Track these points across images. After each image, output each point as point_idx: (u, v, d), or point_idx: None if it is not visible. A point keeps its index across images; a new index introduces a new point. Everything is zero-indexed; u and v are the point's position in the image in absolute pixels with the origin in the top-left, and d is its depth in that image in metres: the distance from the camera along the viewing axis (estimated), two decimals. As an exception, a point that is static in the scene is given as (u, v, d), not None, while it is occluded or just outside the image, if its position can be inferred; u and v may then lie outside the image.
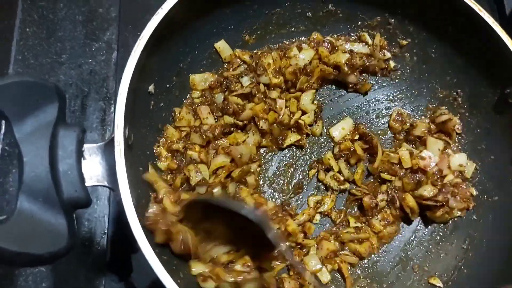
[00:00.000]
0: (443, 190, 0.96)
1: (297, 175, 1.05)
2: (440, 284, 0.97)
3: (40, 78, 0.72)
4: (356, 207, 1.04)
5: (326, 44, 1.06)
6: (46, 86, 0.70)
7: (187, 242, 0.84)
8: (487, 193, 1.00)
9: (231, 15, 1.01)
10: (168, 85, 0.96)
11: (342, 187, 1.03)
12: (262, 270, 0.90)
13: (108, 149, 0.73)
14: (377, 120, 1.10)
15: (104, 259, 1.01)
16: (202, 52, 1.02)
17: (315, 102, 1.06)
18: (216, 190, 0.94)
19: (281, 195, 1.04)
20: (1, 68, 1.14)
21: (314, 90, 1.07)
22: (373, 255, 1.00)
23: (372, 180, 1.05)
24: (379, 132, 1.10)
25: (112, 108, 1.13)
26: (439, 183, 0.97)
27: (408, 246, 1.02)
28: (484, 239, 0.97)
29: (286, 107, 1.02)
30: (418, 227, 1.03)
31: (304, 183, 1.05)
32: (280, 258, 0.92)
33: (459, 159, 1.00)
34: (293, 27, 1.09)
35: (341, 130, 1.07)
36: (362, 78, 1.10)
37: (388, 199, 1.00)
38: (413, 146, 1.04)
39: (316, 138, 1.09)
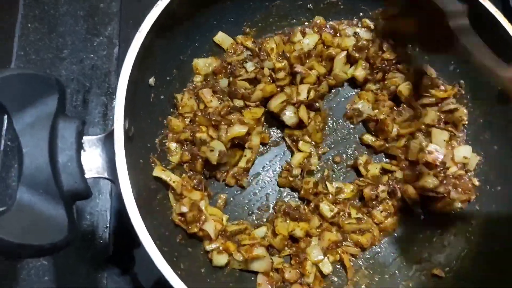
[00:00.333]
0: (445, 181, 0.95)
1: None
2: (442, 275, 0.96)
3: (40, 70, 0.71)
4: (357, 198, 1.04)
5: (328, 29, 1.06)
6: (46, 78, 0.70)
7: None
8: (489, 183, 0.99)
9: (231, 7, 1.00)
10: (168, 78, 0.96)
11: None
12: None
13: (108, 141, 0.73)
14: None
15: (106, 253, 1.01)
16: (202, 44, 1.01)
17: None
18: None
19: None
20: (3, 63, 1.14)
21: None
22: (374, 246, 1.00)
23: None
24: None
25: (114, 103, 1.12)
26: (441, 175, 0.96)
27: (410, 237, 1.01)
28: (487, 229, 0.96)
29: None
30: (420, 218, 1.02)
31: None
32: None
33: (463, 151, 0.99)
34: (294, 18, 1.08)
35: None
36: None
37: (389, 190, 1.00)
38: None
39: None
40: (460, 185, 0.95)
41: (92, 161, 0.72)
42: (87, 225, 1.03)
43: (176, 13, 0.87)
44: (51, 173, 0.65)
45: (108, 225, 1.04)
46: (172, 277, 0.70)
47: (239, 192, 1.02)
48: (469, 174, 0.99)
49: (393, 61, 1.06)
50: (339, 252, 0.97)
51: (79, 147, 0.70)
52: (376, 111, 1.05)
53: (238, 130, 0.96)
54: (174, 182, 0.90)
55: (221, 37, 1.03)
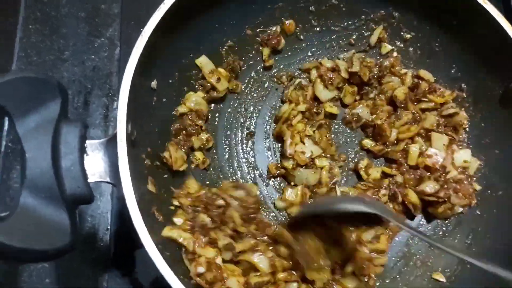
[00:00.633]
0: (445, 186, 0.95)
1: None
2: (443, 279, 0.96)
3: (42, 74, 0.71)
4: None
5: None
6: (48, 82, 0.70)
7: None
8: (491, 187, 0.99)
9: (234, 9, 1.00)
10: (170, 81, 0.96)
11: None
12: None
13: (110, 145, 0.72)
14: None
15: (108, 255, 1.01)
16: (204, 47, 1.01)
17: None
18: None
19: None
20: (5, 65, 1.14)
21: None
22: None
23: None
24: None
25: (115, 104, 1.13)
26: (441, 179, 0.96)
27: (411, 241, 1.02)
28: (487, 234, 0.97)
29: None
30: (421, 222, 1.03)
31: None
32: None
33: (463, 155, 0.99)
34: (297, 21, 1.09)
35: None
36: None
37: (390, 194, 1.00)
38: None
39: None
40: (461, 190, 0.95)
41: (95, 165, 0.72)
42: (88, 228, 1.03)
43: (179, 15, 0.86)
44: (54, 177, 0.65)
45: (109, 227, 1.04)
46: (174, 280, 0.70)
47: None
48: (470, 179, 0.99)
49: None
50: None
51: (82, 151, 0.70)
52: (373, 116, 1.05)
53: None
54: (185, 240, 0.86)
55: (203, 61, 1.01)
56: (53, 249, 0.64)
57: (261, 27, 1.07)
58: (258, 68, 1.10)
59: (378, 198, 0.99)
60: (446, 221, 1.02)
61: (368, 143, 1.06)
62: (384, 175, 1.03)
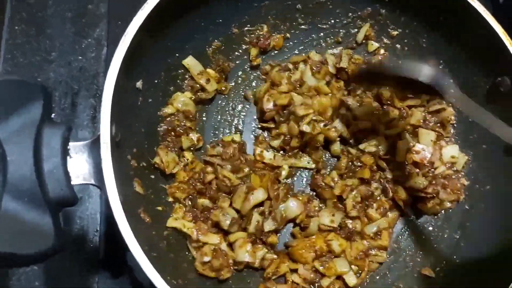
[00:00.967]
0: (434, 182, 0.95)
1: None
2: (432, 275, 0.96)
3: (24, 76, 0.70)
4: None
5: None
6: (30, 84, 0.69)
7: None
8: (478, 182, 0.99)
9: (219, 8, 0.99)
10: (156, 81, 0.95)
11: None
12: None
13: (94, 147, 0.72)
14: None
15: (97, 257, 1.01)
16: (190, 46, 1.00)
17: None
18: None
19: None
20: (-10, 67, 1.13)
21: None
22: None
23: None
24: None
25: (102, 106, 1.12)
26: (429, 175, 0.96)
27: (400, 237, 1.02)
28: (476, 228, 0.97)
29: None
30: (410, 218, 1.03)
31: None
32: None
33: (451, 151, 0.99)
34: (283, 19, 1.08)
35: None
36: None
37: (382, 188, 1.00)
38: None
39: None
40: (449, 185, 0.95)
41: (79, 167, 0.71)
42: (77, 229, 1.03)
43: (163, 14, 0.86)
44: (36, 181, 0.64)
45: (98, 229, 1.03)
46: (160, 282, 0.70)
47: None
48: (458, 174, 0.99)
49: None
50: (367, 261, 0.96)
51: (65, 153, 0.69)
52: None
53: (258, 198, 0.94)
54: (188, 229, 0.91)
55: (190, 62, 1.00)
56: (36, 253, 0.64)
57: (248, 25, 1.06)
58: (245, 67, 1.10)
59: (372, 191, 0.99)
60: (435, 217, 1.02)
61: None
62: (377, 167, 1.03)
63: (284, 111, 1.01)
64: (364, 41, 1.11)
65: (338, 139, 1.03)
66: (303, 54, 1.10)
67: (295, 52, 1.11)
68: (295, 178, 1.05)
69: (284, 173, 1.01)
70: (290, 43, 1.11)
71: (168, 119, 0.97)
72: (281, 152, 1.04)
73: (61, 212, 0.70)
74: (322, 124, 0.99)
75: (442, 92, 0.79)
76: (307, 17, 1.09)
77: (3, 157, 0.63)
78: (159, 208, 0.91)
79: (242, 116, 1.08)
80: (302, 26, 1.10)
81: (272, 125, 1.04)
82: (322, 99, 1.01)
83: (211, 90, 1.03)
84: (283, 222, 0.95)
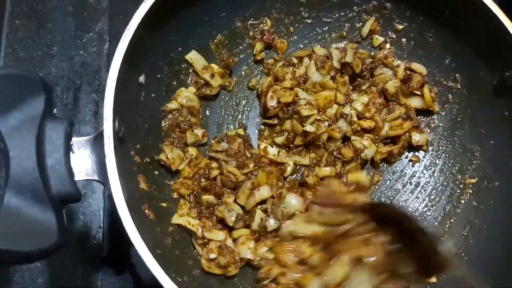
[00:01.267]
0: None
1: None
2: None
3: (26, 70, 0.69)
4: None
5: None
6: (32, 79, 0.68)
7: None
8: (487, 178, 0.98)
9: (223, 2, 0.98)
10: (159, 75, 0.94)
11: None
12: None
13: (97, 142, 0.71)
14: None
15: (101, 254, 1.00)
16: (193, 40, 0.99)
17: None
18: None
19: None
20: (-8, 62, 1.12)
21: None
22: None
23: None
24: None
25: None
26: None
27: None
28: (484, 225, 0.96)
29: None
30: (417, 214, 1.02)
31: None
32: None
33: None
34: (288, 13, 1.07)
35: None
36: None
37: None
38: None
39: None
40: None
41: (82, 163, 0.70)
42: (80, 226, 1.02)
43: (166, 8, 0.85)
44: (39, 176, 0.64)
45: (101, 225, 1.03)
46: (165, 279, 0.69)
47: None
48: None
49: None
50: None
51: (68, 149, 0.68)
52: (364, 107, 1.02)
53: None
54: (193, 226, 0.90)
55: (193, 57, 0.99)
56: (39, 250, 0.63)
57: (252, 19, 1.05)
58: (249, 61, 1.08)
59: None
60: (443, 214, 1.01)
61: None
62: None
63: (288, 108, 1.00)
64: (369, 35, 1.09)
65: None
66: (308, 48, 1.09)
67: (300, 46, 1.10)
68: (299, 175, 1.04)
69: (289, 169, 0.99)
70: (295, 37, 1.09)
71: (172, 114, 0.96)
72: (286, 148, 1.03)
73: (64, 209, 0.69)
74: (326, 124, 0.98)
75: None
76: (311, 11, 1.07)
77: (5, 152, 0.62)
78: (164, 204, 0.90)
79: (246, 111, 1.07)
80: (306, 20, 1.08)
81: (275, 122, 1.03)
82: (327, 94, 1.00)
83: (215, 85, 1.01)
84: (285, 218, 0.93)
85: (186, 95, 0.98)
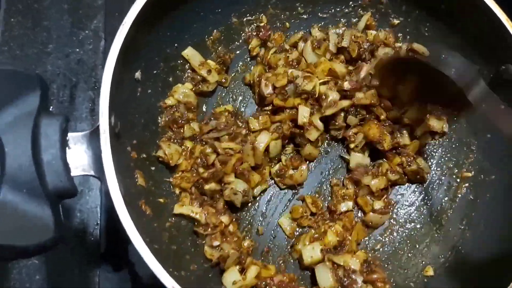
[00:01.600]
0: None
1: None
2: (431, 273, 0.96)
3: (21, 67, 0.69)
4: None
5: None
6: (27, 75, 0.68)
7: None
8: (483, 172, 0.98)
9: (218, -3, 0.98)
10: (155, 71, 0.94)
11: None
12: None
13: (93, 137, 0.71)
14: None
15: (98, 250, 1.00)
16: (189, 36, 0.99)
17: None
18: None
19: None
20: (-13, 60, 1.12)
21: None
22: (367, 238, 1.00)
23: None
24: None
25: (101, 97, 1.11)
26: None
27: (403, 228, 1.02)
28: (481, 218, 0.96)
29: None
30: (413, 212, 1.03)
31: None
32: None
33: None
34: (284, 9, 1.07)
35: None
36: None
37: None
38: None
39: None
40: None
41: (78, 158, 0.70)
42: (77, 223, 1.02)
43: (161, 4, 0.85)
44: (35, 172, 0.64)
45: (98, 222, 1.03)
46: (164, 275, 0.69)
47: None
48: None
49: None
50: None
51: (64, 144, 0.68)
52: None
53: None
54: (196, 213, 0.91)
55: (189, 53, 0.99)
56: (36, 245, 0.63)
57: (248, 15, 1.05)
58: (245, 57, 1.08)
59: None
60: (440, 208, 1.01)
61: None
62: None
63: (287, 88, 0.99)
64: (364, 30, 1.09)
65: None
66: (302, 32, 1.08)
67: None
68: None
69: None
70: (291, 32, 1.09)
71: (168, 110, 0.96)
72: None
73: (61, 205, 0.69)
74: (333, 83, 0.98)
75: (466, 88, 0.75)
76: (307, 6, 1.07)
77: (0, 148, 0.62)
78: (161, 200, 0.90)
79: (242, 107, 1.07)
80: (302, 16, 1.09)
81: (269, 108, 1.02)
82: (323, 66, 1.00)
83: (212, 81, 1.01)
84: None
85: (183, 91, 0.98)
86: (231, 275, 0.87)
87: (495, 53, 0.94)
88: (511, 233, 0.88)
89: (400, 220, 1.02)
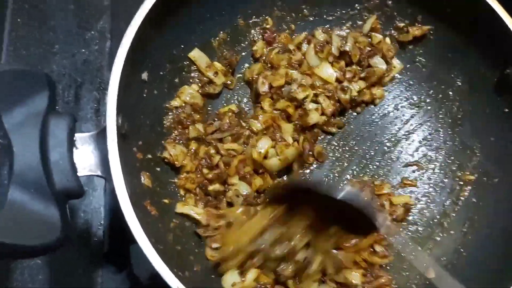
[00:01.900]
0: None
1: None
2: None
3: (29, 66, 0.69)
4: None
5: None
6: (35, 74, 0.69)
7: None
8: (486, 175, 0.98)
9: (224, -1, 0.99)
10: (162, 72, 0.94)
11: None
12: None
13: (100, 138, 0.71)
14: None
15: (101, 251, 1.01)
16: (195, 38, 0.99)
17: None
18: None
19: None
20: (-6, 60, 1.12)
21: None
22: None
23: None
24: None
25: (106, 98, 1.10)
26: None
27: (406, 230, 1.01)
28: (484, 221, 0.96)
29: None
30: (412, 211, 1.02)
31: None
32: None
33: None
34: (289, 11, 1.07)
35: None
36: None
37: None
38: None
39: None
40: None
41: (85, 158, 0.71)
42: (81, 223, 1.02)
43: (168, 5, 0.85)
44: (42, 171, 0.64)
45: (102, 222, 1.03)
46: (168, 275, 0.69)
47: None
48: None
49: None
50: None
51: (71, 144, 0.68)
52: None
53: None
54: (198, 214, 0.91)
55: (196, 55, 0.99)
56: (43, 245, 0.63)
57: (254, 17, 1.05)
58: (251, 59, 1.08)
59: None
60: (442, 211, 1.01)
61: None
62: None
63: (282, 89, 1.00)
64: (369, 33, 1.09)
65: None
66: (305, 33, 1.08)
67: (301, 43, 1.10)
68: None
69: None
70: (296, 35, 1.09)
71: (174, 111, 0.96)
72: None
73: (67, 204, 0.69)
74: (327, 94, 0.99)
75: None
76: (313, 9, 1.07)
77: (9, 148, 0.63)
78: (166, 200, 0.91)
79: (247, 109, 1.07)
80: (308, 18, 1.08)
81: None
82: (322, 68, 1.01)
83: (219, 83, 1.01)
84: None
85: (190, 92, 0.98)
86: (231, 277, 0.87)
87: (500, 57, 0.94)
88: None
89: (403, 223, 1.01)
